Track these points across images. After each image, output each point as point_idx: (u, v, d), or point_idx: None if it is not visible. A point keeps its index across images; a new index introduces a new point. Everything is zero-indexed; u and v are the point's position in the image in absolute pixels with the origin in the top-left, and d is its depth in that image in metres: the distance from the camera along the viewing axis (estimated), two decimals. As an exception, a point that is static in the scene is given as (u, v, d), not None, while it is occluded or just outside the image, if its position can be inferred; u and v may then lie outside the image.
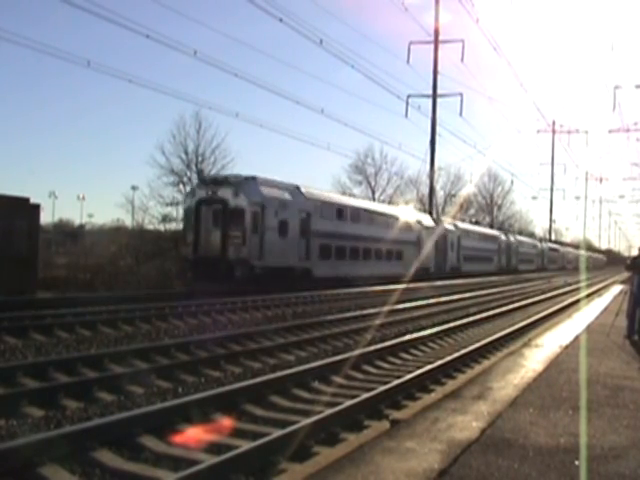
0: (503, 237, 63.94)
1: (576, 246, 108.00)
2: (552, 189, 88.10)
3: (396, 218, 37.45)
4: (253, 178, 24.72)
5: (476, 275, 45.70)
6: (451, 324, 16.57)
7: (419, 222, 40.95)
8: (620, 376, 8.30)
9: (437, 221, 45.19)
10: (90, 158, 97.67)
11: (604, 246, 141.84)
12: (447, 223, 47.01)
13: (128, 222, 46.28)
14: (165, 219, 44.16)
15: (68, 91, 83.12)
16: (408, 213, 41.11)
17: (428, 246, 40.36)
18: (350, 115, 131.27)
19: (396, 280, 30.36)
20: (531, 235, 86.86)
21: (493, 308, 22.36)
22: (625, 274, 13.77)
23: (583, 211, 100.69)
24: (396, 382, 8.97)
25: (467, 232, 50.61)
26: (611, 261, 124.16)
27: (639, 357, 10.25)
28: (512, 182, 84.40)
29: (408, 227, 38.43)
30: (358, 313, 18.39)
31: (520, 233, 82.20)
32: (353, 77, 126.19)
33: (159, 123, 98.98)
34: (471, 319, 18.17)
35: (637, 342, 11.85)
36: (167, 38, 44.17)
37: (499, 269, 59.13)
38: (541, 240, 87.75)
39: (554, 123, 79.51)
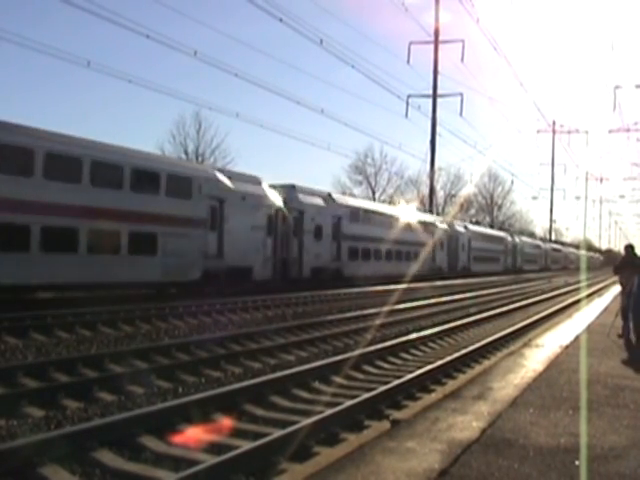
0: (441, 224, 45.05)
1: (563, 243, 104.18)
2: (552, 189, 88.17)
3: (149, 175, 19.69)
4: None
5: (376, 282, 29.08)
6: (451, 324, 16.56)
7: (215, 184, 21.87)
8: (620, 376, 8.30)
9: (290, 191, 26.99)
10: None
11: (604, 246, 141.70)
12: (308, 194, 28.96)
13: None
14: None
15: (68, 92, 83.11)
16: (182, 165, 23.06)
17: (241, 230, 22.78)
18: (350, 115, 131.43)
19: (140, 291, 19.67)
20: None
21: (493, 308, 22.35)
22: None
23: (583, 211, 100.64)
24: (396, 382, 8.97)
25: (359, 212, 32.76)
26: (611, 261, 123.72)
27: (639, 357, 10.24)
28: (512, 182, 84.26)
29: (180, 192, 20.44)
30: (358, 313, 18.39)
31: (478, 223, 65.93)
32: (353, 77, 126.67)
33: (159, 123, 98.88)
34: (471, 319, 18.16)
35: (636, 342, 11.84)
36: (167, 38, 44.11)
37: (432, 271, 40.53)
38: (509, 231, 72.15)
39: (554, 123, 79.58)
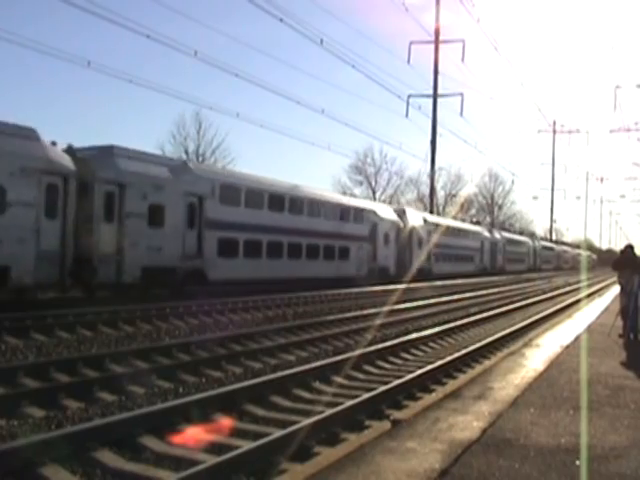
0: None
1: (531, 234, 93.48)
2: (553, 189, 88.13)
3: None
4: None
5: None
6: (452, 324, 16.55)
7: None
8: (621, 376, 8.30)
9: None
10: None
11: (605, 246, 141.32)
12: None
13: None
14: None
15: (68, 92, 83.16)
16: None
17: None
18: (350, 115, 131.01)
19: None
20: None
21: (494, 308, 22.34)
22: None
23: (584, 211, 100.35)
24: (397, 382, 8.97)
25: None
26: (605, 261, 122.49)
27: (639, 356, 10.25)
28: (513, 182, 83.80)
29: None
30: (359, 313, 18.38)
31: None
32: (353, 77, 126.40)
33: (159, 123, 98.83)
34: (472, 319, 18.15)
35: (636, 341, 11.85)
36: (167, 38, 43.96)
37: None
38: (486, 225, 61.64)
39: (555, 123, 79.48)
